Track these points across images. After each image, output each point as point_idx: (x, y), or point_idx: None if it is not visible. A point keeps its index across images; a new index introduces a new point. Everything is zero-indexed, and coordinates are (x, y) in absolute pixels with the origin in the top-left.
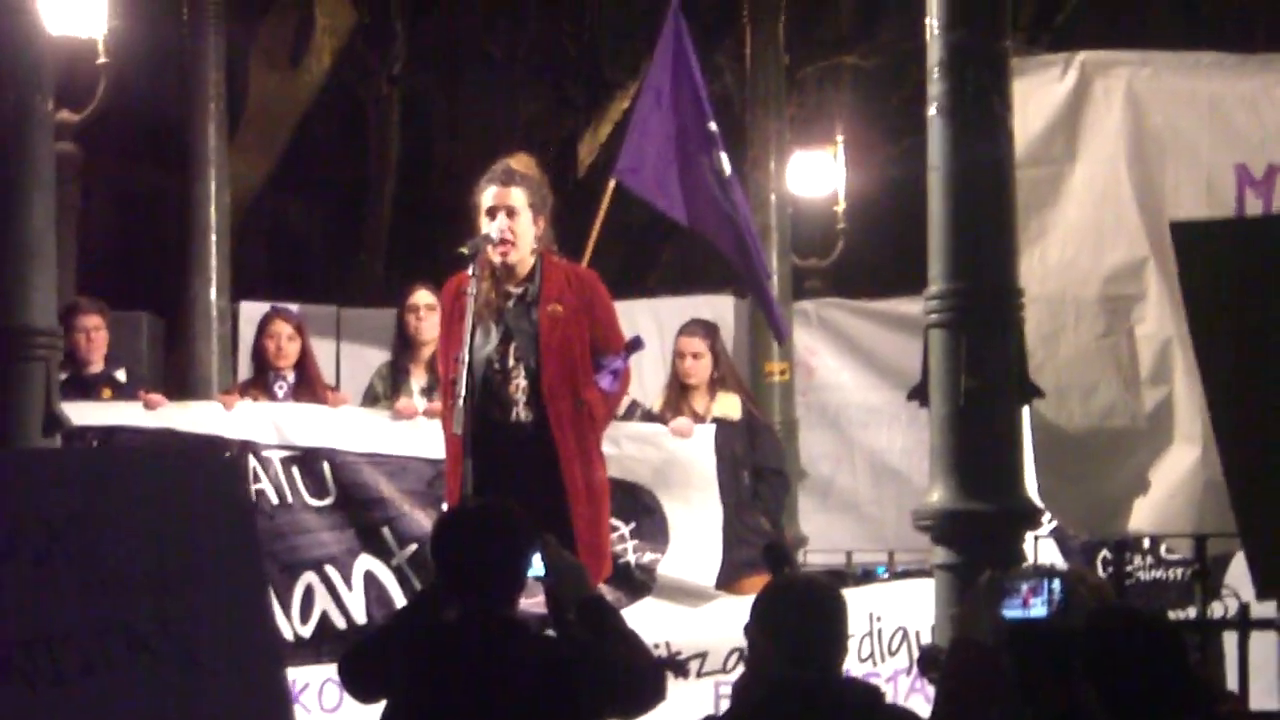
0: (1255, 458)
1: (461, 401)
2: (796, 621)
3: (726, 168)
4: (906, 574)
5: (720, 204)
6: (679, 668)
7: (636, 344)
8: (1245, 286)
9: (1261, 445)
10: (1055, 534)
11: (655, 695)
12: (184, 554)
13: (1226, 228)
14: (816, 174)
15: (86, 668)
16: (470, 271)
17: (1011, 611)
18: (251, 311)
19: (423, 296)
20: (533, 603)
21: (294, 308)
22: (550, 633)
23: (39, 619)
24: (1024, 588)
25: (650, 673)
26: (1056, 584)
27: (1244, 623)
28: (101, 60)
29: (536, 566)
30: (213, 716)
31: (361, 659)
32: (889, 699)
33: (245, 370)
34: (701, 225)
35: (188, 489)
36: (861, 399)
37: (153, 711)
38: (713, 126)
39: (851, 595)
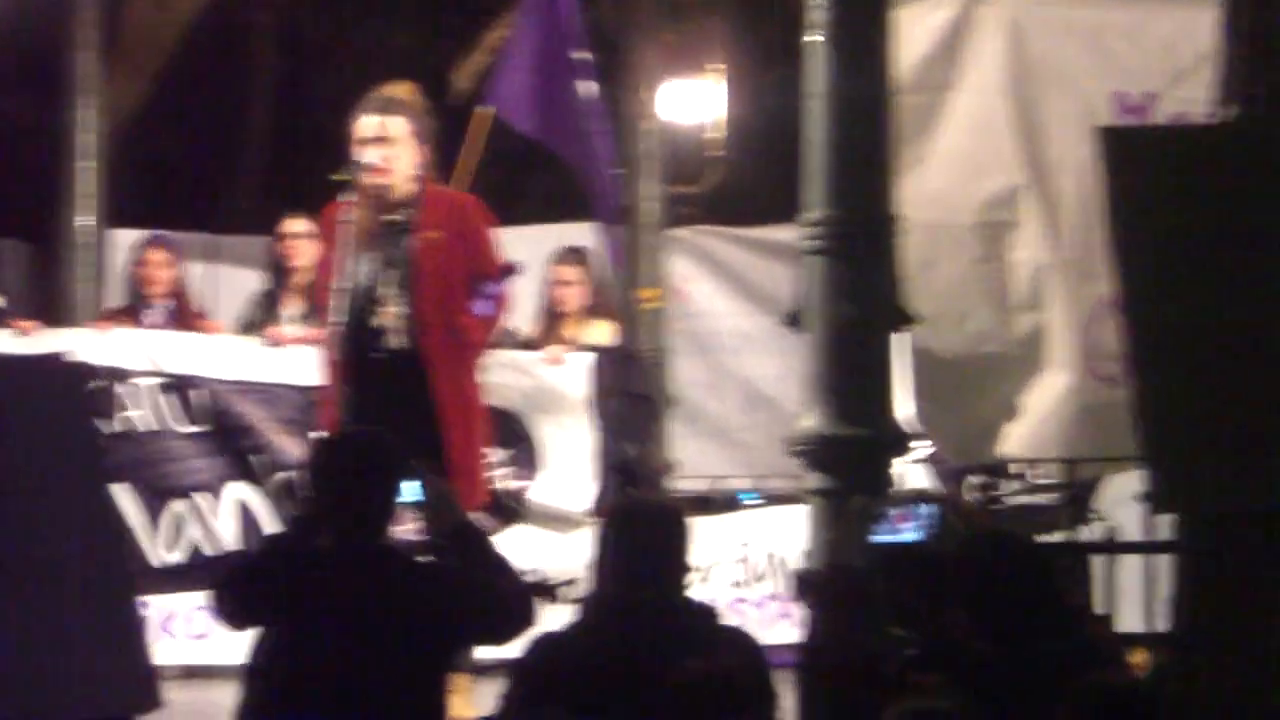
0: (1167, 370)
1: (339, 328)
2: (635, 542)
3: (590, 95)
4: (779, 499)
5: (581, 131)
6: (550, 593)
7: (513, 269)
8: (1171, 195)
9: (1174, 358)
10: (928, 459)
11: (525, 620)
12: (31, 467)
13: (1155, 134)
14: (693, 101)
15: None
16: (348, 198)
17: (883, 536)
18: (125, 239)
19: (294, 225)
20: (407, 529)
21: (169, 235)
22: (423, 559)
23: None
24: (895, 513)
25: (520, 598)
26: (928, 509)
27: (1112, 546)
28: None
29: (409, 493)
30: (64, 629)
31: (233, 587)
32: (759, 623)
33: (117, 298)
34: (563, 150)
35: (32, 400)
36: (734, 325)
37: (4, 627)
38: (582, 54)
39: (721, 521)
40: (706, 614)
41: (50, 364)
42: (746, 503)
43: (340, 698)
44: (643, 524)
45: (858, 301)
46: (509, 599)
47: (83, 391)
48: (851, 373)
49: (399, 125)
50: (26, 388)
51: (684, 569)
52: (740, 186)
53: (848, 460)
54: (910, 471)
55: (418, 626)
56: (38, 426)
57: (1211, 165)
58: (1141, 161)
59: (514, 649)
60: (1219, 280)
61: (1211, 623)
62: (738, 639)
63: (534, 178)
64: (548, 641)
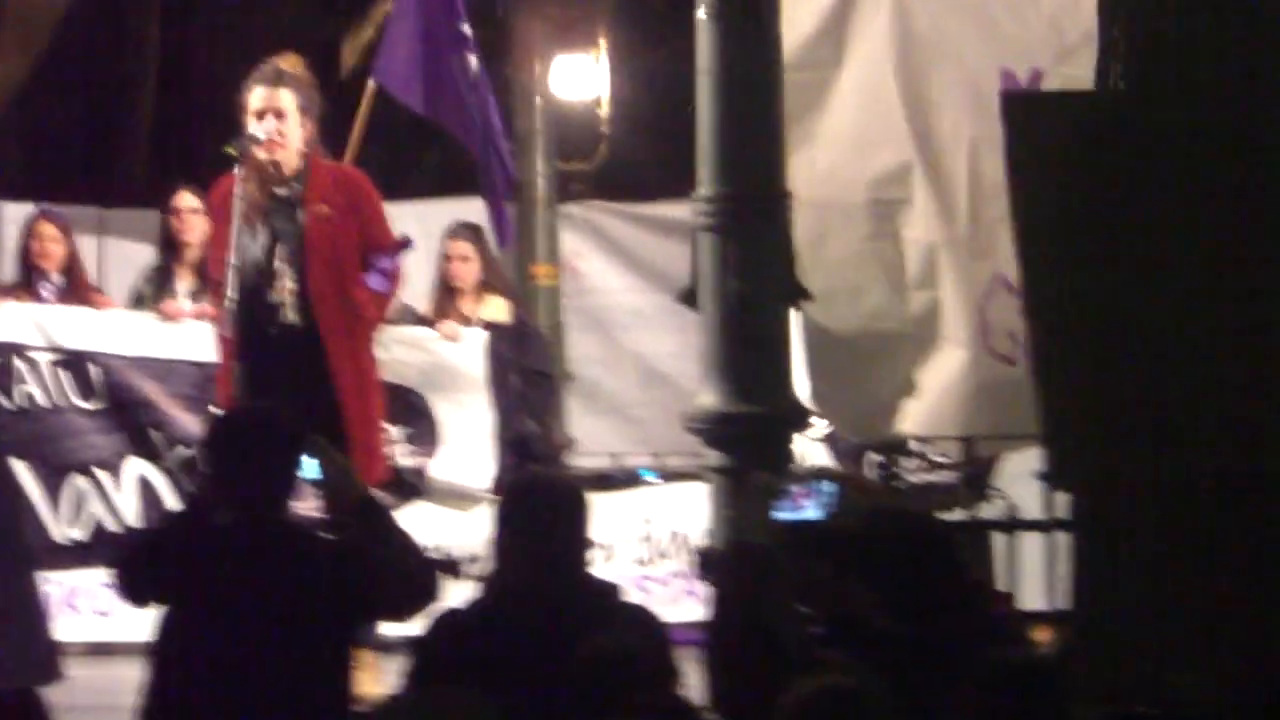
0: (1066, 341)
1: (230, 304)
2: (533, 519)
3: (475, 68)
4: (678, 476)
5: (466, 104)
6: (453, 568)
7: (406, 243)
8: (1071, 162)
9: (1073, 328)
10: (826, 437)
11: (428, 595)
12: None
13: (1056, 100)
14: (580, 77)
15: None
16: (237, 172)
17: (785, 513)
18: (13, 212)
19: (186, 199)
20: (309, 506)
21: (59, 209)
22: (324, 535)
23: None
24: (797, 490)
25: (423, 573)
26: (828, 486)
27: (1012, 524)
28: None
29: (308, 469)
30: None
31: (133, 564)
32: (663, 600)
33: (6, 273)
34: (448, 123)
35: None
36: (628, 302)
37: None
38: (465, 28)
39: (624, 498)
40: (607, 591)
41: None
42: (647, 480)
43: (242, 675)
44: (540, 501)
45: (750, 278)
46: (412, 575)
47: None
48: (746, 349)
49: (288, 98)
50: None
51: (584, 545)
52: (628, 163)
53: (745, 437)
54: (810, 449)
55: (319, 603)
56: None
57: (1107, 132)
58: (1043, 128)
59: (417, 626)
60: (1116, 251)
61: (1107, 599)
62: (639, 616)
63: (425, 152)
64: (448, 619)
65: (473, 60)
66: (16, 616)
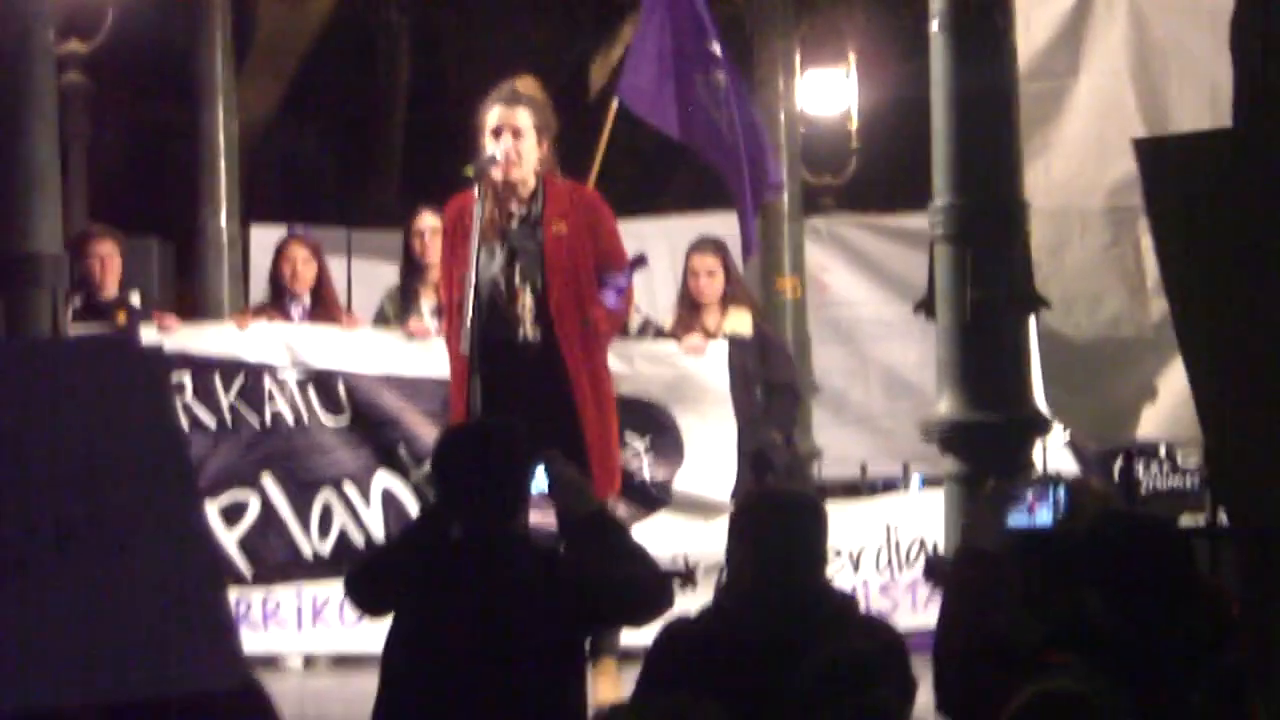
0: (1225, 386)
1: (469, 321)
2: (769, 531)
3: (724, 84)
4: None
5: (713, 121)
6: (687, 578)
7: (640, 261)
8: (1203, 200)
9: (1233, 372)
10: (1070, 443)
11: (660, 605)
12: (106, 446)
13: (1186, 142)
14: (829, 92)
15: (19, 563)
16: (475, 192)
17: (1017, 520)
18: (263, 237)
19: (427, 220)
20: (546, 519)
21: (309, 230)
22: (556, 547)
23: None
24: (1029, 496)
25: (654, 583)
26: (1061, 492)
27: (1250, 531)
28: None
29: (540, 483)
30: (141, 605)
31: (365, 577)
32: (908, 609)
33: (257, 294)
34: (692, 140)
35: (105, 377)
36: (874, 313)
37: (82, 602)
38: (714, 47)
39: (868, 507)
40: (843, 602)
41: (124, 345)
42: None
43: (473, 687)
44: (774, 513)
45: (986, 287)
46: (643, 584)
47: (159, 373)
48: (982, 357)
49: (525, 117)
50: (99, 368)
51: (819, 557)
52: (877, 176)
53: (981, 444)
54: (1054, 455)
55: (548, 614)
56: (111, 406)
57: (1238, 169)
58: (1175, 170)
59: (649, 634)
60: (1261, 287)
61: None
62: (876, 627)
63: (674, 170)
64: (679, 628)
65: (721, 77)
66: (196, 620)
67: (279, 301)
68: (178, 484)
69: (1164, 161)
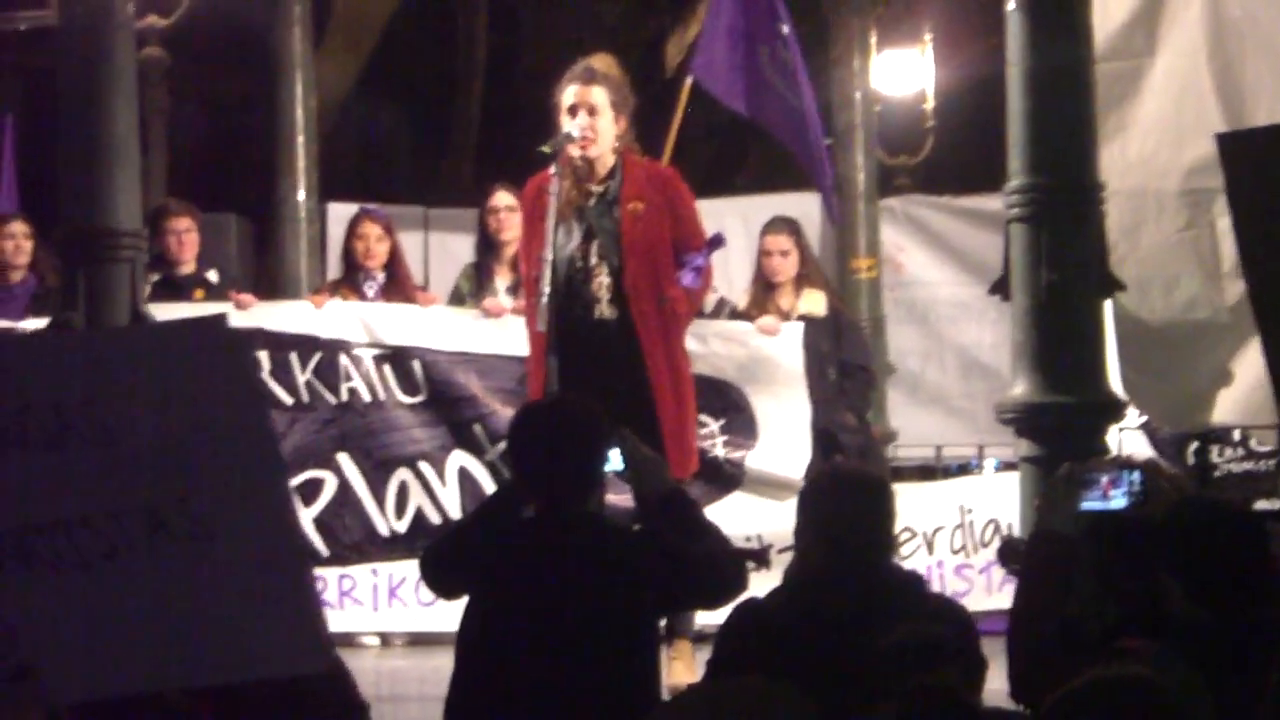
0: None
1: (545, 299)
2: (837, 511)
3: (794, 64)
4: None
5: (784, 99)
6: (761, 558)
7: (718, 240)
8: None
9: None
10: (1144, 426)
11: (735, 585)
12: (193, 430)
13: (1270, 134)
14: (905, 72)
15: (109, 550)
16: (552, 170)
17: (1090, 503)
18: (339, 212)
19: (502, 198)
20: (621, 497)
21: (381, 208)
22: (631, 527)
23: (56, 503)
24: (1103, 479)
25: (729, 564)
26: (1136, 475)
27: None
28: None
29: (615, 462)
30: (231, 590)
31: (439, 557)
32: (982, 590)
33: (334, 271)
34: (764, 119)
35: (194, 362)
36: (950, 294)
37: (173, 589)
38: (783, 27)
39: (942, 488)
40: (911, 583)
41: (213, 328)
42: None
43: (548, 666)
44: (842, 493)
45: (1061, 268)
46: (718, 565)
47: (245, 356)
48: (1057, 339)
49: (600, 95)
50: (189, 352)
51: (887, 537)
52: (953, 156)
53: (1056, 427)
54: (1128, 438)
55: (622, 593)
56: (201, 391)
57: None
58: (1256, 161)
59: (725, 615)
60: None
61: None
62: (945, 607)
63: (749, 149)
64: (749, 609)
65: (790, 56)
66: (285, 605)
67: (352, 278)
68: (266, 468)
69: (1245, 153)
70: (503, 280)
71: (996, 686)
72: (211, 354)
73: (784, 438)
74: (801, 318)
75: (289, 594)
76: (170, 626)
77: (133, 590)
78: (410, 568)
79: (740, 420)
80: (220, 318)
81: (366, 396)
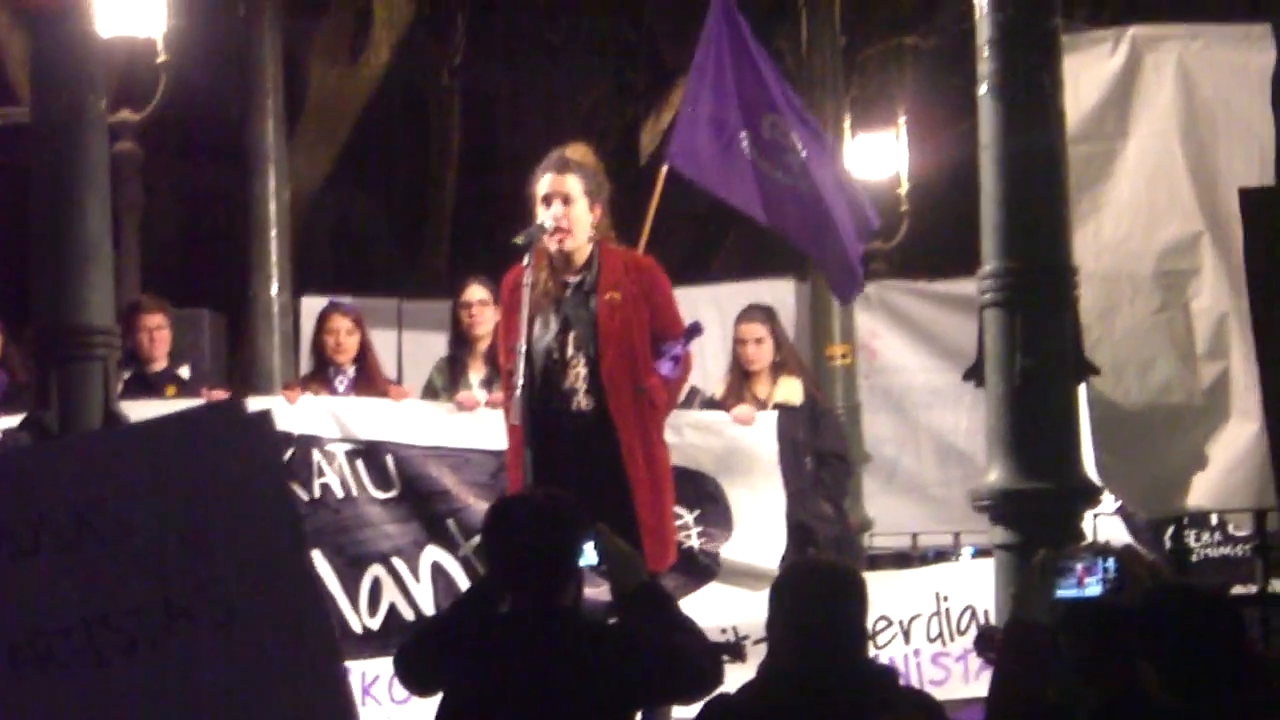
0: None
1: (519, 392)
2: (808, 604)
3: (792, 142)
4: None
5: (773, 180)
6: (736, 651)
7: (696, 329)
8: None
9: None
10: (1120, 512)
11: (711, 680)
12: (215, 515)
13: None
14: (879, 156)
15: (129, 646)
16: (526, 261)
17: (1066, 591)
18: (313, 306)
19: (475, 292)
20: (598, 591)
21: (350, 301)
22: (606, 621)
23: (76, 605)
24: (1079, 566)
25: (705, 658)
26: (1111, 562)
27: None
28: (161, 59)
29: (590, 556)
30: (257, 674)
31: (415, 653)
32: (959, 678)
33: (307, 365)
34: (745, 203)
35: (212, 449)
36: (925, 381)
37: (197, 677)
38: (775, 95)
39: (918, 575)
40: (885, 676)
41: (233, 412)
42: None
43: None
44: (815, 586)
45: (1036, 353)
46: (692, 659)
47: (269, 436)
48: (1032, 425)
49: (575, 184)
50: (208, 439)
51: (860, 630)
52: (928, 240)
53: (1031, 513)
54: (1104, 524)
55: (598, 688)
56: (216, 477)
57: None
58: (1275, 219)
59: (695, 710)
60: None
61: None
62: (919, 701)
63: (726, 236)
64: (719, 705)
65: (781, 133)
66: (317, 692)
67: (323, 373)
68: (288, 549)
69: (1266, 209)
70: (476, 374)
71: None
72: (229, 438)
73: (759, 528)
74: (777, 406)
75: (316, 675)
76: (196, 714)
77: (154, 682)
78: (384, 665)
79: (715, 511)
80: (238, 402)
81: (339, 492)
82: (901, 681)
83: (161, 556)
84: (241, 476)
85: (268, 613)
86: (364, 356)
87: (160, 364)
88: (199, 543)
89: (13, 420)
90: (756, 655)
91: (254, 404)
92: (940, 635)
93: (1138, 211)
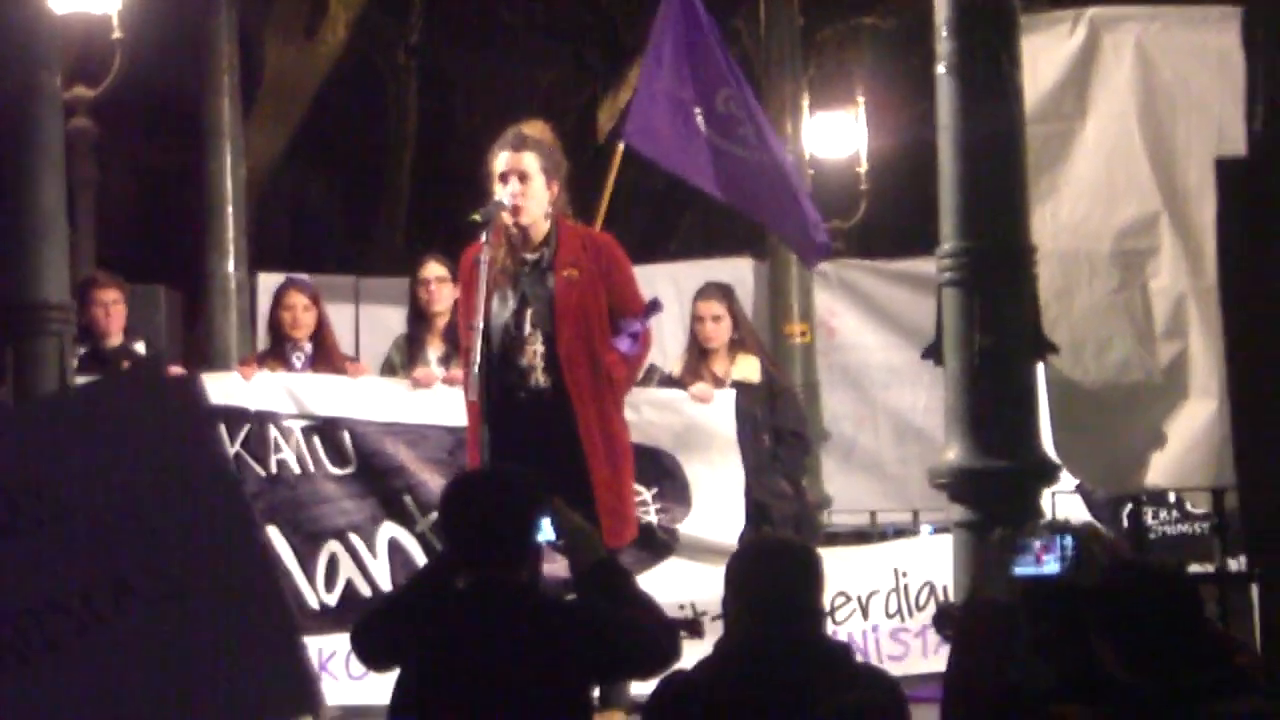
0: (1266, 408)
1: (477, 368)
2: (762, 581)
3: (749, 114)
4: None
5: (732, 155)
6: (694, 627)
7: (655, 306)
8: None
9: (1272, 394)
10: (1079, 490)
11: (668, 655)
12: (151, 485)
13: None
14: (838, 135)
15: (80, 628)
16: (484, 238)
17: (1024, 569)
18: (270, 283)
19: (433, 269)
20: (556, 567)
21: (307, 278)
22: (563, 597)
23: (22, 593)
24: (1036, 545)
25: (662, 634)
26: (1069, 541)
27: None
28: (116, 36)
29: (547, 532)
30: (213, 647)
31: (370, 629)
32: (918, 653)
33: (264, 342)
34: (703, 180)
35: (136, 416)
36: (883, 359)
37: (152, 654)
38: (727, 74)
39: (877, 551)
40: (841, 652)
41: (150, 380)
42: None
43: None
44: (769, 563)
45: (994, 332)
46: (649, 634)
47: (195, 402)
48: (990, 404)
49: (531, 161)
50: (130, 409)
51: (815, 607)
52: (887, 219)
53: (989, 492)
54: (1062, 501)
55: (554, 664)
56: (150, 445)
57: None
58: (1250, 191)
59: (648, 688)
60: None
61: None
62: (874, 677)
63: (683, 214)
64: (676, 681)
65: (739, 109)
66: (271, 651)
67: (280, 349)
68: (234, 516)
69: (1242, 182)
70: (434, 351)
71: None
72: (152, 404)
73: (717, 504)
74: (735, 384)
75: (273, 641)
76: (154, 688)
77: (111, 663)
78: (340, 641)
79: (673, 488)
80: (154, 365)
81: (296, 468)
82: (859, 658)
83: (100, 533)
84: (170, 441)
85: (218, 582)
86: (321, 333)
87: (115, 339)
88: (137, 516)
89: None
90: (714, 631)
91: (210, 380)
92: (899, 611)
93: (1096, 191)
